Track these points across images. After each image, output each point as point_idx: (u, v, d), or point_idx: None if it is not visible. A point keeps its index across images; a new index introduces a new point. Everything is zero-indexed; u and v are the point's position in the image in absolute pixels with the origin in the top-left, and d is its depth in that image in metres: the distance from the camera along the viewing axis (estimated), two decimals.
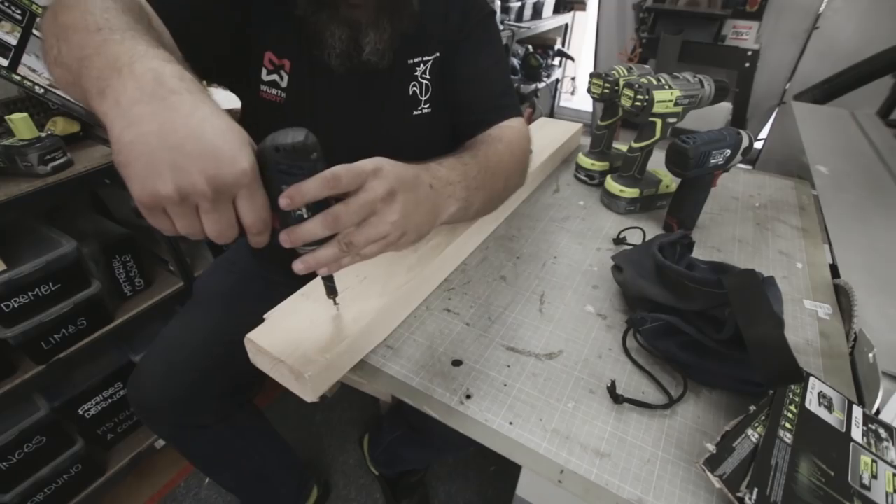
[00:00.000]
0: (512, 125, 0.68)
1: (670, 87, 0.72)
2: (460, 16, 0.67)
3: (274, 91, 0.64)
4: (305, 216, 0.38)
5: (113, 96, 0.33)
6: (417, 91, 0.67)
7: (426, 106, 0.68)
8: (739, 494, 0.36)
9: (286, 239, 0.38)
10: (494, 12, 0.73)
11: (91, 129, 0.94)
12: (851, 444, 0.41)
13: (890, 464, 0.40)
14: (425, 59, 0.66)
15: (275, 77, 0.63)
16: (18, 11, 0.84)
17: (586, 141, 0.97)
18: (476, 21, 0.68)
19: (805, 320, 0.59)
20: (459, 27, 0.67)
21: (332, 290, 0.50)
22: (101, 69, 0.34)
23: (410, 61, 0.66)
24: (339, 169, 0.38)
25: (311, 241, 0.39)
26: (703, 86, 0.75)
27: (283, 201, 0.36)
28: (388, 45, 0.61)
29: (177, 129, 0.32)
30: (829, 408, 0.43)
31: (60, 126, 0.90)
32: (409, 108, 0.67)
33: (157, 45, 0.38)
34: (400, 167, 0.43)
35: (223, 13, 0.59)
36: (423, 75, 0.67)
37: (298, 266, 0.40)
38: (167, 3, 0.52)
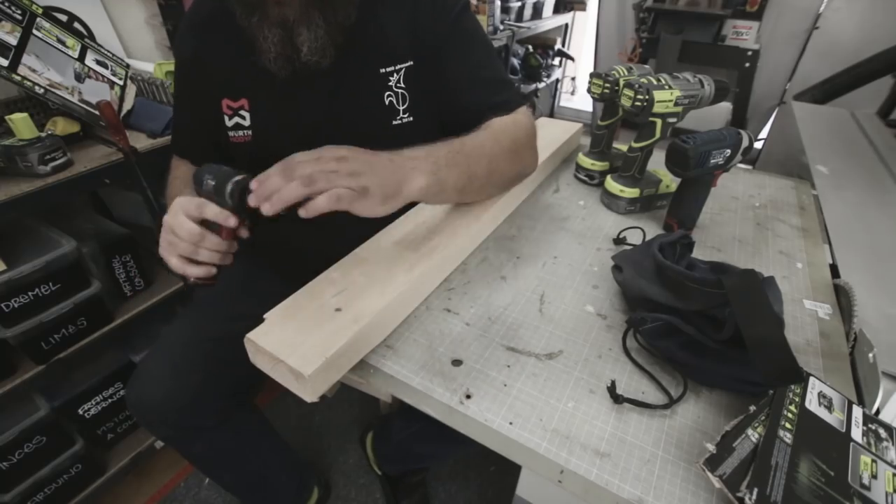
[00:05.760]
0: (503, 120, 0.67)
1: (670, 87, 0.72)
2: (429, 21, 0.65)
3: (240, 133, 0.67)
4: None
5: None
6: (394, 100, 0.66)
7: (406, 115, 0.67)
8: (739, 494, 0.36)
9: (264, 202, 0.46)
10: (468, 5, 0.70)
11: (91, 129, 0.94)
12: (851, 444, 0.41)
13: (890, 464, 0.40)
14: (398, 67, 0.65)
15: (237, 120, 0.66)
16: (18, 11, 0.84)
17: (586, 141, 0.97)
18: (448, 23, 0.66)
19: (805, 320, 0.59)
20: (431, 33, 0.65)
21: None
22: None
23: (383, 70, 0.65)
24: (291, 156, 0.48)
25: (274, 190, 0.45)
26: (703, 86, 0.75)
27: (254, 199, 0.46)
28: (325, 41, 0.60)
29: None
30: (829, 408, 0.43)
31: (60, 126, 0.90)
32: (387, 118, 0.67)
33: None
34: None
35: (208, 104, 0.67)
36: (398, 84, 0.66)
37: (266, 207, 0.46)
38: (187, 149, 0.76)
